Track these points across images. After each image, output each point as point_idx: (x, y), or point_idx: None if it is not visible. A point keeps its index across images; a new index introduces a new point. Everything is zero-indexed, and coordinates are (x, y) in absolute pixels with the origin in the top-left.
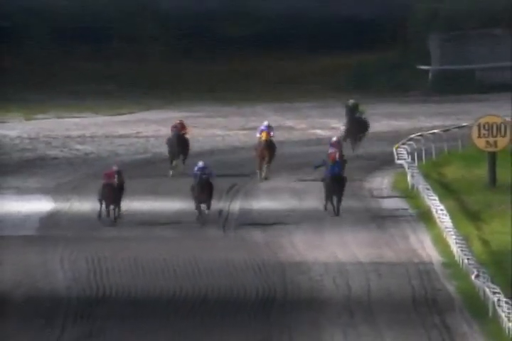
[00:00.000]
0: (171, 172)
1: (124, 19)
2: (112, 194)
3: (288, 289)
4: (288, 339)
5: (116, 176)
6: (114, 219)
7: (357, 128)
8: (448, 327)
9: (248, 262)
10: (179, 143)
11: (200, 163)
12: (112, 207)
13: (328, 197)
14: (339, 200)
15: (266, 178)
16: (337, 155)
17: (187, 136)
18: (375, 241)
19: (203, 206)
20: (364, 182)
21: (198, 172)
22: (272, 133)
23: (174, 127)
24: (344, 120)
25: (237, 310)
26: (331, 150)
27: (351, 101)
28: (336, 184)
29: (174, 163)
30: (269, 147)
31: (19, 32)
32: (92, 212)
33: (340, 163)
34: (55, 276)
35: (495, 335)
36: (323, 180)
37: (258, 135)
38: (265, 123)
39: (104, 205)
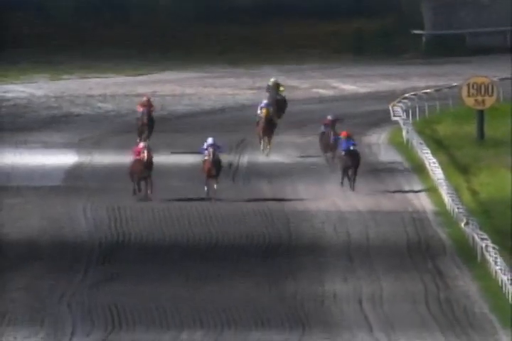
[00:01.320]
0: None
1: None
2: (142, 169)
3: (292, 235)
4: (292, 281)
5: (145, 152)
6: (146, 194)
7: (278, 106)
8: (440, 271)
9: (255, 210)
10: (148, 121)
11: (210, 140)
12: (142, 182)
13: (344, 172)
14: (354, 175)
15: (267, 155)
16: (348, 132)
17: (153, 113)
18: (373, 192)
19: (213, 181)
20: (363, 137)
21: (209, 148)
22: (271, 109)
23: (143, 105)
24: (268, 97)
25: (246, 255)
26: (324, 129)
27: (272, 81)
28: (350, 159)
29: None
30: (269, 124)
31: (49, 1)
32: (111, 165)
33: (352, 139)
34: (78, 224)
35: (483, 278)
36: (338, 156)
37: (259, 112)
38: (265, 101)
39: (135, 181)
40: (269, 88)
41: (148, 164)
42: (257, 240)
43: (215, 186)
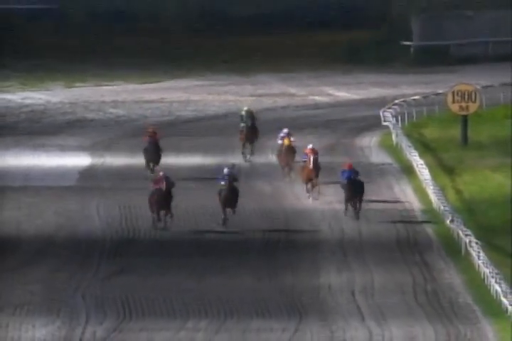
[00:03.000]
0: (150, 174)
1: (151, 2)
2: (161, 199)
3: (290, 232)
4: (291, 274)
5: (164, 182)
6: (165, 225)
7: (253, 133)
8: (427, 264)
9: (256, 209)
10: (155, 150)
11: (226, 170)
12: (162, 212)
13: (348, 201)
14: (360, 203)
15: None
16: (351, 164)
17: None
18: (365, 191)
19: (229, 210)
20: (355, 140)
21: (226, 179)
22: (292, 139)
23: (149, 136)
24: (242, 126)
25: (247, 250)
26: (304, 158)
27: (245, 109)
28: (353, 188)
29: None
30: (290, 152)
31: (64, 14)
32: (122, 167)
33: (356, 171)
34: (92, 221)
35: (466, 271)
36: (341, 185)
37: (279, 142)
38: (285, 130)
39: (155, 211)
40: (242, 117)
41: (168, 194)
42: (258, 236)
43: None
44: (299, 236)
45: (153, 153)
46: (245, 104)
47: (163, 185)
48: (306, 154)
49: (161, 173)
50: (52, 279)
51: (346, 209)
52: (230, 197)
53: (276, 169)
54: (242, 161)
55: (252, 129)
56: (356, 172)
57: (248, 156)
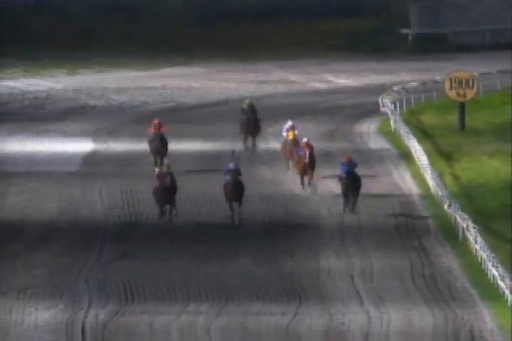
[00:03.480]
0: (156, 170)
1: None
2: (166, 194)
3: (290, 217)
4: (290, 258)
5: (168, 178)
6: (170, 219)
7: (253, 126)
8: (424, 249)
9: (257, 194)
10: (161, 142)
11: (232, 164)
12: (167, 206)
13: (345, 195)
14: (355, 197)
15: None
16: (350, 156)
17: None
18: (364, 176)
19: (235, 204)
20: (354, 126)
21: (231, 173)
22: (297, 132)
23: (153, 128)
24: (243, 118)
25: (248, 235)
26: (300, 152)
27: (247, 102)
28: (351, 182)
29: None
30: (295, 145)
31: (70, 4)
32: (125, 152)
33: (354, 163)
34: (94, 206)
35: (464, 255)
36: (339, 178)
37: (284, 134)
38: (289, 122)
39: (159, 205)
40: (243, 110)
41: (172, 190)
42: (258, 221)
43: (239, 209)
44: (298, 221)
45: (159, 145)
46: (245, 91)
47: (168, 181)
48: (302, 148)
49: (165, 169)
50: (55, 263)
51: (344, 205)
52: (236, 192)
53: (277, 155)
54: (242, 147)
55: (254, 122)
56: (354, 165)
57: (250, 149)
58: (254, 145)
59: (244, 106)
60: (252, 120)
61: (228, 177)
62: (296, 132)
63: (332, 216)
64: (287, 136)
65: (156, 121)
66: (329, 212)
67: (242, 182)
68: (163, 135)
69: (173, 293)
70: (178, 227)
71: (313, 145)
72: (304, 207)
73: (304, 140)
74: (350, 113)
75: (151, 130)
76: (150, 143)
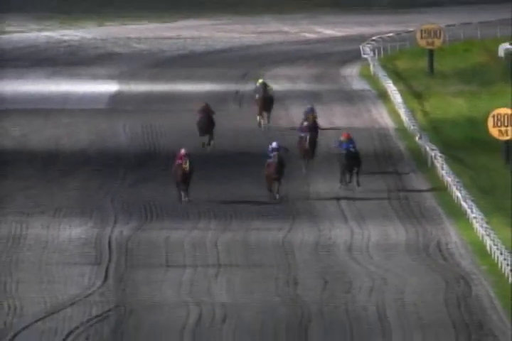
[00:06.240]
0: (204, 146)
1: None
2: (183, 176)
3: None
4: (285, 182)
5: (186, 160)
6: (181, 198)
7: (269, 103)
8: (399, 174)
9: (256, 128)
10: (209, 124)
11: (274, 144)
12: (182, 186)
13: (343, 173)
14: (358, 173)
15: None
16: (349, 134)
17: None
18: (348, 113)
19: (276, 183)
20: (339, 70)
21: (275, 153)
22: (316, 115)
23: (201, 110)
24: (257, 96)
25: (247, 162)
26: (300, 134)
27: (260, 81)
28: (351, 160)
29: (204, 141)
30: (314, 129)
31: None
32: (145, 92)
33: (353, 141)
34: (119, 138)
35: (432, 180)
36: (338, 157)
37: (303, 117)
38: (309, 106)
39: (175, 184)
40: (257, 88)
41: (190, 172)
42: (257, 151)
43: (277, 188)
44: (292, 150)
45: (208, 127)
46: (248, 40)
47: (186, 165)
48: (303, 131)
49: (182, 151)
50: (86, 187)
51: (342, 181)
52: (279, 172)
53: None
54: (243, 88)
55: (267, 100)
56: (353, 143)
57: (264, 125)
58: (268, 120)
59: (258, 85)
60: (265, 98)
61: (271, 155)
62: (316, 115)
63: (320, 146)
64: (306, 119)
65: (203, 104)
66: (318, 143)
67: (284, 162)
68: (212, 117)
69: (185, 212)
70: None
71: (316, 114)
72: (295, 140)
73: (305, 124)
74: (336, 59)
75: (200, 113)
76: (198, 123)
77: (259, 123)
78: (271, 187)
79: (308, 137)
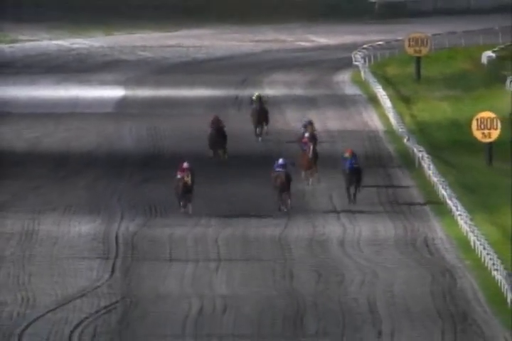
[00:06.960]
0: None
1: None
2: (185, 189)
3: (282, 151)
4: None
5: (189, 175)
6: (188, 210)
7: (263, 116)
8: (389, 174)
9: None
10: (221, 136)
11: (281, 160)
12: (182, 198)
13: (348, 188)
14: (357, 189)
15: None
16: (352, 150)
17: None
18: (340, 116)
19: (285, 194)
20: (332, 76)
21: (281, 169)
22: (315, 128)
23: (212, 122)
24: (253, 108)
25: (246, 162)
26: (304, 147)
27: (256, 95)
28: (354, 175)
29: (213, 153)
30: (313, 140)
31: None
32: (150, 97)
33: (356, 157)
34: (125, 140)
35: (419, 179)
36: (343, 173)
37: (302, 129)
38: (306, 118)
39: (177, 197)
40: (252, 101)
41: (191, 185)
42: (256, 153)
43: (289, 201)
44: (287, 152)
45: (217, 141)
46: (246, 48)
47: (188, 178)
48: (305, 143)
49: (185, 164)
50: (94, 186)
51: (349, 198)
52: (286, 186)
53: (270, 99)
54: (242, 93)
55: (263, 113)
56: (356, 159)
57: (260, 138)
58: (261, 133)
59: (254, 98)
60: (261, 110)
61: (278, 170)
62: (314, 128)
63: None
64: (305, 131)
65: (214, 117)
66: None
67: (291, 177)
68: (223, 129)
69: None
70: (193, 157)
71: (316, 131)
72: (292, 143)
73: (306, 134)
74: (329, 66)
75: (211, 125)
76: (210, 136)
77: (256, 134)
78: (280, 198)
79: (311, 147)
